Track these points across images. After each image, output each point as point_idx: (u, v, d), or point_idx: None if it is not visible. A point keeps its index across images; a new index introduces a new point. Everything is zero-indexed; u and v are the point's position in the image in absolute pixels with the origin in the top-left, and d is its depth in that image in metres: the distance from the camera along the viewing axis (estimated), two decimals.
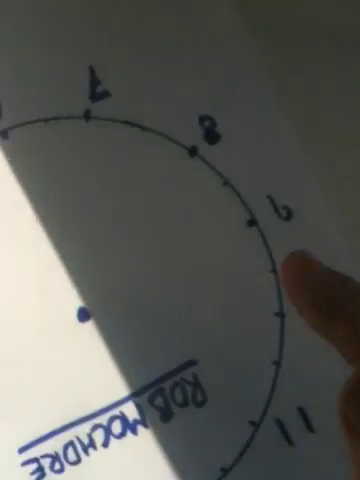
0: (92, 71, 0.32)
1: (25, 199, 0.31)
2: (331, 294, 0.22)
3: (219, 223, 0.32)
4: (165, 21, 0.32)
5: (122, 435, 0.29)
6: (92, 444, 0.29)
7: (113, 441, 0.29)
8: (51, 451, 0.29)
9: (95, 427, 0.29)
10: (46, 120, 0.31)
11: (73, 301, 0.30)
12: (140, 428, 0.29)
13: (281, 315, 0.31)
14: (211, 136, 0.33)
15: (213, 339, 0.30)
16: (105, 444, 0.29)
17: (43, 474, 0.29)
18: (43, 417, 0.29)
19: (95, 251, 0.31)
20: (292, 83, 0.34)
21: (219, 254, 0.32)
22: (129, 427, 0.29)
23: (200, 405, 0.30)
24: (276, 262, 0.32)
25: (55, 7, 0.32)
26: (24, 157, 0.31)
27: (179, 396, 0.30)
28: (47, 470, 0.29)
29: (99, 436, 0.29)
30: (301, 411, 0.29)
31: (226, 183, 0.32)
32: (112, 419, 0.29)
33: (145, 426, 0.29)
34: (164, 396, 0.30)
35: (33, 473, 0.29)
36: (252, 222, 0.32)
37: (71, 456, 0.29)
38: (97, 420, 0.29)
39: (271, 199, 0.32)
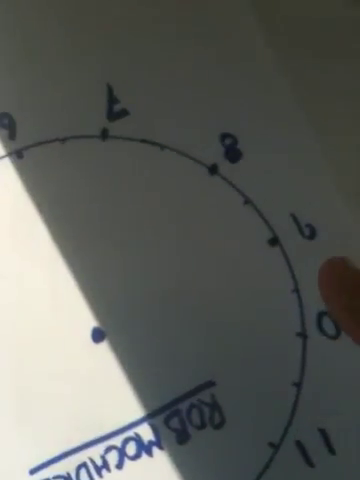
0: (110, 90, 0.39)
1: (41, 219, 0.38)
2: None
3: (241, 242, 0.39)
4: (184, 38, 0.40)
5: (137, 457, 0.35)
6: (106, 466, 0.36)
7: (127, 463, 0.35)
8: (63, 472, 0.35)
9: (109, 448, 0.36)
10: (63, 140, 0.38)
11: (87, 321, 0.37)
12: (155, 450, 0.36)
13: (303, 336, 0.37)
14: (232, 154, 0.39)
15: (232, 359, 0.36)
16: (119, 466, 0.35)
17: None
18: (56, 438, 0.36)
19: (111, 271, 0.37)
20: (315, 98, 0.41)
21: (241, 273, 0.38)
22: (144, 449, 0.36)
23: (218, 427, 0.36)
24: (299, 282, 0.38)
25: (72, 25, 0.40)
26: (39, 177, 0.38)
27: (196, 418, 0.36)
28: None
29: (113, 458, 0.35)
30: (322, 433, 0.35)
31: (247, 201, 0.39)
32: (126, 440, 0.36)
33: (160, 448, 0.36)
34: (180, 418, 0.36)
35: None
36: (274, 241, 0.39)
37: (84, 477, 0.35)
38: (111, 441, 0.36)
39: (294, 217, 0.39)
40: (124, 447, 0.34)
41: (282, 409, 0.34)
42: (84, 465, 0.34)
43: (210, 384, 0.35)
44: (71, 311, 0.36)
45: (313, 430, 0.34)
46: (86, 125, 0.37)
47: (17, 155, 0.37)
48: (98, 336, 0.35)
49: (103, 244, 0.36)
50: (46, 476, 0.34)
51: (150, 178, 0.37)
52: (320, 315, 0.36)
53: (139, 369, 0.36)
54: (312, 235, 0.37)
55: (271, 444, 0.34)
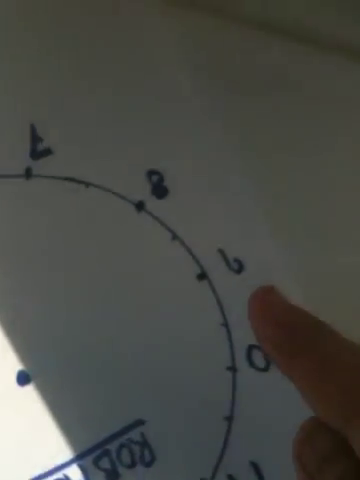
0: (33, 129, 0.41)
1: None
2: (293, 331, 0.28)
3: (169, 278, 0.40)
4: (107, 76, 0.42)
5: None
6: None
7: None
8: None
9: None
10: None
11: (12, 364, 0.38)
12: None
13: (233, 369, 0.38)
14: (159, 190, 0.42)
15: (161, 396, 0.38)
16: None
17: None
18: None
19: (35, 313, 0.39)
20: (240, 133, 0.43)
21: (169, 309, 0.40)
22: None
23: (148, 465, 0.37)
24: (227, 315, 0.40)
25: None
26: None
27: (126, 457, 0.37)
28: None
29: None
30: (254, 466, 0.37)
31: (175, 237, 0.41)
32: None
33: None
34: (110, 457, 0.37)
35: None
36: (203, 276, 0.40)
37: None
38: None
39: (222, 252, 0.41)
40: None
41: (213, 444, 0.36)
42: None
43: (139, 423, 0.37)
44: None
45: (245, 464, 0.35)
46: (9, 164, 0.39)
47: None
48: (23, 379, 0.36)
49: (27, 286, 0.39)
50: None
51: (76, 216, 0.39)
52: (250, 348, 0.37)
53: (66, 411, 0.38)
54: (240, 269, 0.39)
55: (203, 479, 0.34)
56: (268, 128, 0.45)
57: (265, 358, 0.40)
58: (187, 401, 0.39)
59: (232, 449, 0.39)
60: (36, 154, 0.42)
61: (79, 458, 0.38)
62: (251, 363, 0.40)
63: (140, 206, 0.42)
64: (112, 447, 0.39)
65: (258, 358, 0.40)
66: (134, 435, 0.39)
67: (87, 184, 0.42)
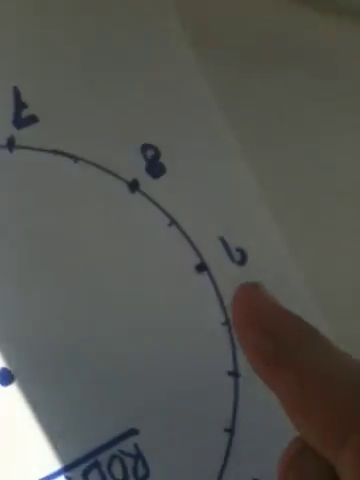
0: (17, 93, 0.37)
1: None
2: (278, 338, 0.26)
3: (164, 268, 0.37)
4: (102, 38, 0.38)
5: None
6: None
7: None
8: None
9: None
10: None
11: None
12: None
13: (235, 374, 0.36)
14: (154, 168, 0.38)
15: (157, 404, 0.36)
16: None
17: None
18: None
19: (17, 301, 0.36)
20: (245, 109, 0.39)
21: (164, 305, 0.37)
22: None
23: (142, 479, 0.34)
24: (228, 313, 0.37)
25: None
26: None
27: (117, 470, 0.35)
28: None
29: None
30: None
31: (172, 222, 0.38)
32: None
33: None
34: (100, 470, 0.35)
35: None
36: (202, 267, 0.37)
37: None
38: None
39: (223, 241, 0.38)
40: None
41: (213, 458, 0.35)
42: None
43: (133, 432, 0.35)
44: None
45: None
46: None
47: None
48: (6, 378, 0.34)
49: (8, 270, 0.34)
50: None
51: (62, 194, 0.37)
52: None
53: (53, 416, 0.37)
54: (243, 260, 0.37)
55: None
56: (277, 105, 0.42)
57: None
58: (184, 410, 0.37)
59: (233, 464, 0.37)
60: (20, 122, 0.38)
61: (66, 470, 0.36)
62: None
63: (134, 185, 0.39)
64: (103, 459, 0.37)
65: None
66: (127, 446, 0.37)
67: (76, 158, 0.39)
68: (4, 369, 0.37)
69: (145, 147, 0.41)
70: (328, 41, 0.43)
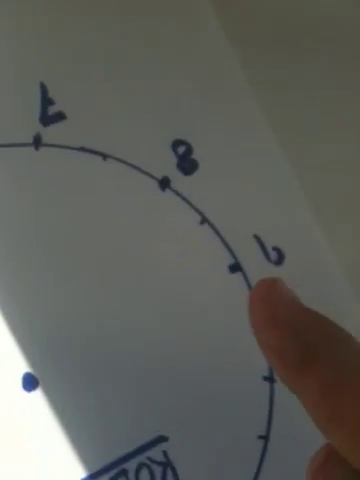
0: (44, 89, 0.36)
1: None
2: (300, 339, 0.24)
3: (196, 268, 0.36)
4: (132, 33, 0.37)
5: None
6: None
7: None
8: None
9: None
10: None
11: (18, 366, 0.34)
12: None
13: (270, 380, 0.35)
14: (186, 165, 0.38)
15: (188, 409, 0.35)
16: None
17: None
18: None
19: (44, 305, 0.35)
20: (280, 103, 0.38)
21: (196, 307, 0.36)
22: None
23: None
24: None
25: (2, 15, 0.36)
26: None
27: (145, 478, 0.34)
28: None
29: None
30: None
31: (204, 220, 0.37)
32: None
33: None
34: (128, 479, 0.33)
35: None
36: (236, 267, 0.36)
37: None
38: None
39: (258, 239, 0.37)
40: None
41: (246, 466, 0.34)
42: None
43: (162, 439, 0.35)
44: None
45: None
46: (15, 130, 0.36)
47: None
48: (30, 383, 0.32)
49: (36, 270, 0.34)
50: None
51: (91, 193, 0.36)
52: None
53: (78, 422, 0.36)
54: (280, 260, 0.36)
55: None
56: (315, 97, 0.40)
57: None
58: (217, 416, 0.36)
59: (267, 474, 0.35)
60: (47, 119, 0.38)
61: (93, 477, 0.35)
62: None
63: (164, 183, 0.38)
64: (130, 467, 0.36)
65: None
66: (155, 453, 0.36)
67: (104, 156, 0.38)
68: (28, 374, 0.36)
69: (176, 143, 0.40)
70: None
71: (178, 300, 0.38)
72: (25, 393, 0.36)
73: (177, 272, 0.39)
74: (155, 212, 0.39)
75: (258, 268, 0.39)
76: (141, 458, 0.36)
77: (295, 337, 0.24)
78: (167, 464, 0.36)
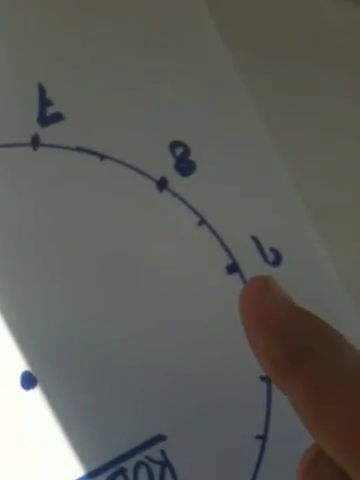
0: (42, 90, 0.37)
1: None
2: (291, 340, 0.24)
3: (194, 269, 0.37)
4: (129, 34, 0.38)
5: None
6: None
7: None
8: None
9: None
10: None
11: (16, 365, 0.34)
12: None
13: (268, 379, 0.35)
14: (184, 166, 0.38)
15: (186, 409, 0.36)
16: None
17: None
18: None
19: (41, 304, 0.35)
20: (278, 105, 0.39)
21: (194, 307, 0.37)
22: None
23: None
24: None
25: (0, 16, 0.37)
26: None
27: (144, 477, 0.35)
28: None
29: None
30: None
31: (202, 222, 0.37)
32: None
33: None
34: (126, 477, 0.34)
35: None
36: (233, 268, 0.37)
37: None
38: None
39: (256, 240, 0.37)
40: None
41: (244, 466, 0.34)
42: None
43: (160, 438, 0.35)
44: None
45: None
46: (13, 131, 0.37)
47: None
48: (29, 382, 0.33)
49: (33, 271, 0.35)
50: None
51: (88, 194, 0.36)
52: None
53: (76, 421, 0.37)
54: (277, 261, 0.36)
55: None
56: (312, 102, 0.41)
57: None
58: (215, 415, 0.36)
59: (265, 474, 0.36)
60: (44, 119, 0.39)
61: (90, 476, 0.36)
62: None
63: (162, 184, 0.39)
64: (128, 465, 0.36)
65: None
66: (153, 452, 0.36)
67: (102, 156, 0.39)
68: (27, 372, 0.37)
69: (174, 144, 0.40)
70: None
71: (176, 300, 0.39)
72: (23, 391, 0.36)
73: (175, 272, 0.39)
74: (153, 213, 0.39)
75: (255, 269, 0.39)
76: (139, 457, 0.37)
77: (283, 340, 0.24)
78: (165, 463, 0.37)
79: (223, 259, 0.39)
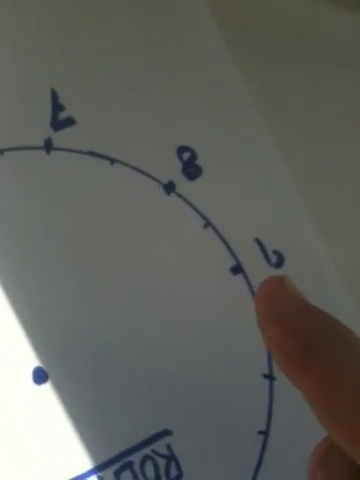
0: (55, 95, 0.38)
1: None
2: (303, 336, 0.25)
3: (199, 270, 0.39)
4: (138, 41, 0.40)
5: None
6: None
7: None
8: None
9: None
10: (1, 151, 0.37)
11: (28, 360, 0.36)
12: None
13: (270, 377, 0.37)
14: (191, 170, 0.40)
15: (191, 405, 0.37)
16: None
17: None
18: None
19: (53, 300, 0.38)
20: (282, 110, 0.40)
21: (199, 306, 0.38)
22: None
23: None
24: None
25: (13, 22, 0.39)
26: None
27: (150, 471, 0.36)
28: None
29: None
30: None
31: (208, 224, 0.39)
32: None
33: None
34: (133, 470, 0.36)
35: None
36: (237, 269, 0.39)
37: None
38: None
39: (259, 243, 0.39)
40: None
41: (246, 461, 0.36)
42: None
43: (166, 433, 0.36)
44: (10, 349, 0.34)
45: None
46: (28, 135, 0.38)
47: None
48: (40, 377, 0.34)
49: (46, 271, 0.37)
50: None
51: (99, 196, 0.38)
52: None
53: (85, 415, 0.38)
54: (280, 262, 0.38)
55: None
56: (313, 104, 0.42)
57: None
58: (219, 411, 0.38)
59: (267, 468, 0.38)
60: (57, 124, 0.40)
61: (99, 469, 0.37)
62: None
63: (170, 187, 0.40)
64: (135, 459, 0.38)
65: None
66: (160, 447, 0.38)
67: (112, 160, 0.40)
68: (38, 368, 0.38)
69: (181, 149, 0.42)
70: None
71: (182, 299, 0.40)
72: (35, 386, 0.38)
73: (182, 273, 0.41)
74: (160, 215, 0.41)
75: (259, 270, 0.41)
76: (146, 451, 0.38)
77: (295, 335, 0.26)
78: (171, 457, 0.38)
79: (228, 260, 0.41)
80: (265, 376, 0.40)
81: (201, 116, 0.43)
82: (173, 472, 0.38)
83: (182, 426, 0.39)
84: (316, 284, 0.42)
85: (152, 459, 0.38)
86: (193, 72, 0.43)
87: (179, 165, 0.42)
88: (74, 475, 0.38)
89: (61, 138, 0.41)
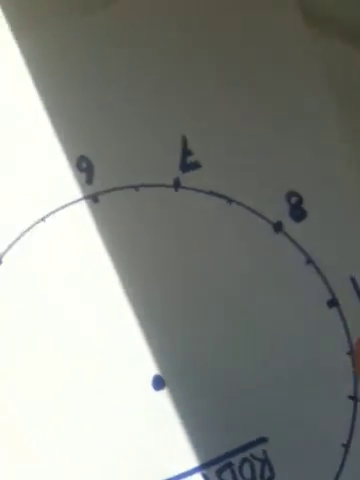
0: (184, 141, 0.45)
1: (110, 264, 0.44)
2: None
3: (299, 302, 0.45)
4: (258, 98, 0.46)
5: None
6: None
7: None
8: None
9: None
10: (136, 187, 0.44)
11: (149, 368, 0.43)
12: None
13: (355, 399, 0.43)
14: (297, 213, 0.46)
15: (285, 417, 0.43)
16: None
17: None
18: None
19: (175, 321, 0.44)
20: None
21: (297, 334, 0.45)
22: None
23: None
24: (353, 344, 0.44)
25: (152, 74, 0.46)
26: (112, 222, 0.44)
27: (247, 471, 0.43)
28: None
29: None
30: None
31: (309, 261, 0.45)
32: None
33: None
34: (232, 471, 0.43)
35: None
36: (333, 302, 0.45)
37: None
38: None
39: (353, 280, 0.45)
40: None
41: (329, 468, 0.41)
42: None
43: (263, 440, 0.41)
44: (133, 358, 0.41)
45: None
46: (160, 174, 0.43)
47: (93, 199, 0.42)
48: (159, 384, 0.41)
49: (168, 293, 0.43)
50: None
51: (216, 230, 0.45)
52: None
53: (196, 419, 0.44)
54: None
55: None
56: None
57: None
58: (307, 424, 0.45)
59: (347, 476, 0.44)
60: (185, 166, 0.47)
61: (203, 467, 0.44)
62: None
63: (278, 227, 0.47)
64: (235, 460, 0.45)
65: None
66: (257, 451, 0.45)
67: (230, 200, 0.47)
68: (158, 376, 0.46)
69: (290, 194, 0.49)
70: None
71: (281, 328, 0.47)
72: (153, 391, 0.45)
73: (282, 304, 0.47)
74: (268, 252, 0.48)
75: (351, 305, 0.48)
76: (245, 454, 0.45)
77: None
78: (266, 461, 0.45)
79: (325, 294, 0.48)
80: (350, 397, 0.46)
81: (309, 166, 0.49)
82: (266, 474, 0.45)
83: (276, 435, 0.46)
84: None
85: (249, 461, 0.45)
86: (304, 132, 0.49)
87: (287, 208, 0.48)
88: (183, 470, 0.45)
89: (188, 178, 0.48)
